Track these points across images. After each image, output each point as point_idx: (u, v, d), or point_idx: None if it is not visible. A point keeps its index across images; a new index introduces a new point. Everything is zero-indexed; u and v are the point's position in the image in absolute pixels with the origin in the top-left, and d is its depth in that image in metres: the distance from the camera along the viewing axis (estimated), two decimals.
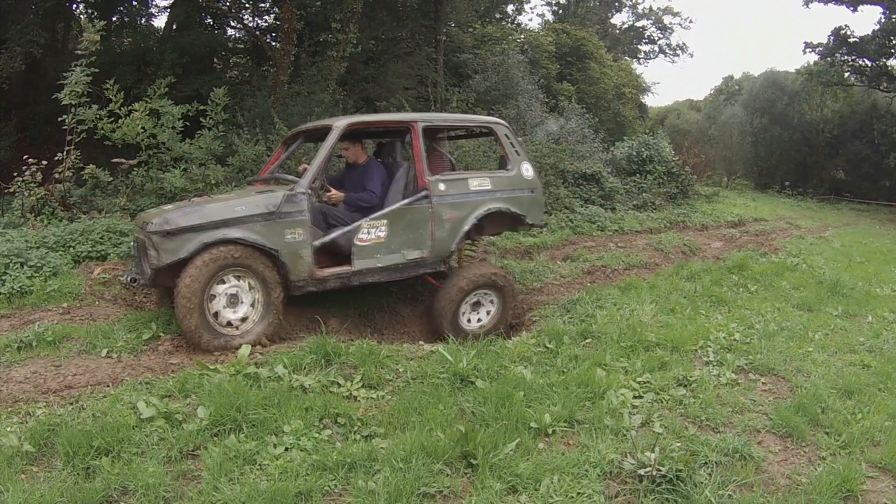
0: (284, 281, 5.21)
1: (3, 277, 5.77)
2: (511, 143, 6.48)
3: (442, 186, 5.85)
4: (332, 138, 5.46)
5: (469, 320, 6.12)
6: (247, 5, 20.25)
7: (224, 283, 4.99)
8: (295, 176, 5.73)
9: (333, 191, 5.71)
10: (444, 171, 6.22)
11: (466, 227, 5.96)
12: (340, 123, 5.60)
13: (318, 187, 5.51)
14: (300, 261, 5.23)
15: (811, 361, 5.23)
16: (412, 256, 5.75)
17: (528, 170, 6.48)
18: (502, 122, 6.70)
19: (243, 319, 5.10)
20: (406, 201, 5.70)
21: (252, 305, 5.11)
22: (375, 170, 5.99)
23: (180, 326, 4.90)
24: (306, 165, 5.74)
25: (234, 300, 5.05)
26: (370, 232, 5.56)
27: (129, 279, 5.65)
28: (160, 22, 20.44)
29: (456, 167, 6.95)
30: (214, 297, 4.95)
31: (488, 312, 6.21)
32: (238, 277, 5.03)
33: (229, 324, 5.04)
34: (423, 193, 5.75)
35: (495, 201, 6.16)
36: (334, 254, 5.60)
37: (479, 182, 6.12)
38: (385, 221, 5.61)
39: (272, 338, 5.21)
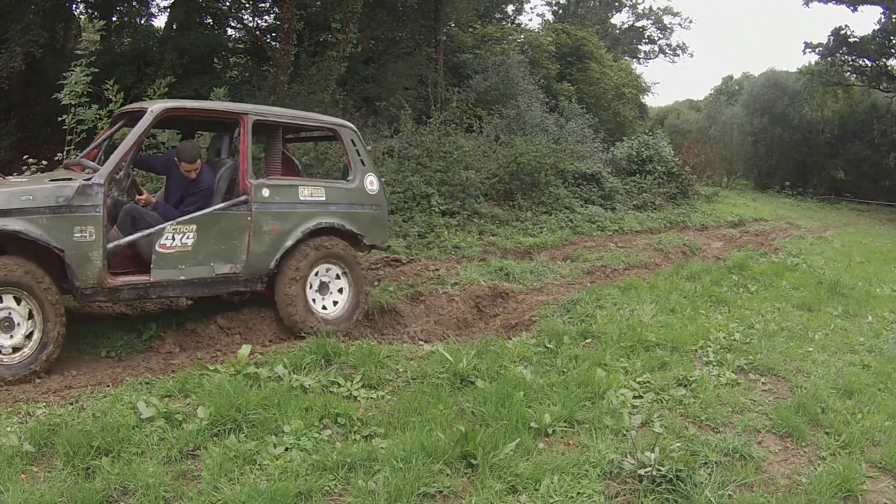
0: (70, 287, 4.50)
1: None
2: (357, 151, 5.87)
3: (266, 192, 5.15)
4: (143, 123, 4.74)
5: (316, 303, 5.55)
6: (247, 5, 20.27)
7: None
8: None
9: (146, 193, 5.14)
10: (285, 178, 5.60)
11: (290, 243, 5.25)
12: (156, 107, 4.87)
13: (124, 179, 4.80)
14: (88, 265, 4.42)
15: (811, 361, 5.23)
16: (223, 271, 5.00)
17: (372, 183, 5.87)
18: (349, 125, 6.04)
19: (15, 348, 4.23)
20: (220, 206, 5.00)
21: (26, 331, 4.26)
22: (206, 186, 5.22)
23: None
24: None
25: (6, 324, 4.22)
26: (175, 238, 4.80)
27: None
28: (160, 22, 20.44)
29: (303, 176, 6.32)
30: None
31: (338, 299, 5.66)
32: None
33: None
34: (243, 198, 5.05)
35: (328, 215, 5.52)
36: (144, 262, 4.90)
37: (311, 191, 5.46)
38: (193, 227, 4.85)
39: (51, 369, 4.38)
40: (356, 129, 6.00)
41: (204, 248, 4.91)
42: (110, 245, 4.57)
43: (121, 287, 4.66)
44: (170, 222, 4.80)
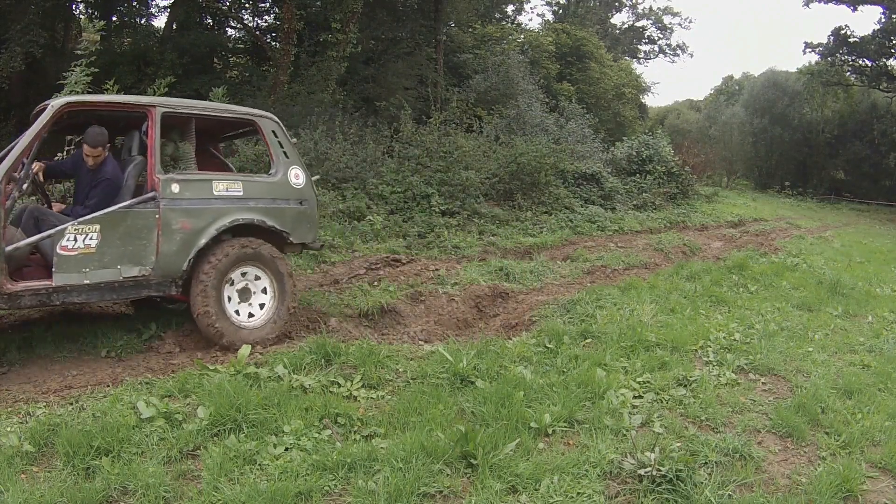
0: None
1: None
2: (279, 143, 5.53)
3: (175, 188, 4.81)
4: (42, 120, 4.45)
5: (239, 313, 5.14)
6: (247, 5, 20.28)
7: None
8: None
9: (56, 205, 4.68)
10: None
11: (203, 241, 4.89)
12: (56, 103, 4.59)
13: (24, 179, 4.53)
14: None
15: (811, 361, 5.23)
16: (131, 274, 4.64)
17: (297, 176, 5.54)
18: (270, 115, 5.66)
19: None
20: (125, 203, 4.68)
21: None
22: (107, 176, 4.92)
23: None
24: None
25: None
26: (77, 239, 4.45)
27: None
28: (160, 22, 20.47)
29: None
30: None
31: (261, 305, 5.25)
32: None
33: None
34: (151, 195, 4.73)
35: (246, 211, 5.13)
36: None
37: (226, 186, 5.11)
38: (97, 227, 4.52)
39: None
40: (277, 120, 5.65)
41: (109, 250, 4.57)
42: (9, 248, 4.28)
43: (21, 293, 4.33)
44: (71, 222, 4.48)
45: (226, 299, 5.03)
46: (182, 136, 5.30)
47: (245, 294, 5.21)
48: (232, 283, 5.10)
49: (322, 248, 6.44)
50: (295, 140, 5.97)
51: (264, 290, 5.28)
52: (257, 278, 5.23)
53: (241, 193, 5.17)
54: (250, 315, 5.19)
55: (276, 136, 5.53)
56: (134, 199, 4.72)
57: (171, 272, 4.83)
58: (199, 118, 5.26)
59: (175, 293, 4.98)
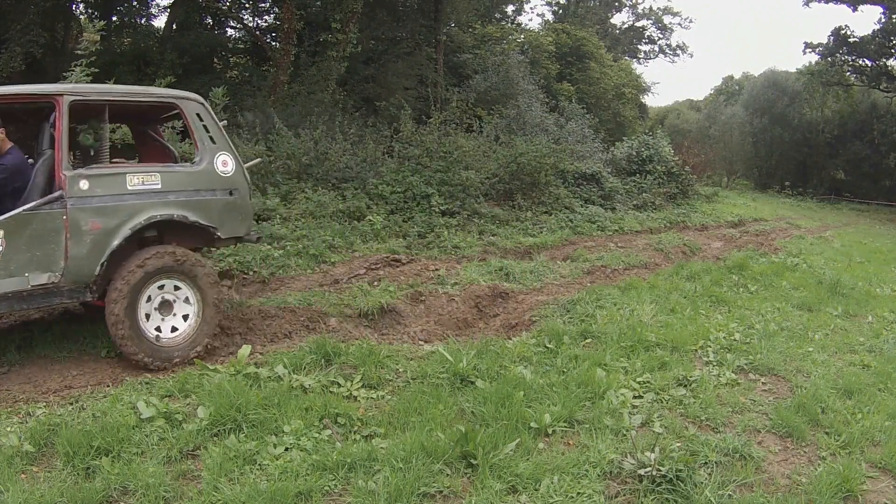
0: None
1: None
2: (204, 127, 5.04)
3: (84, 185, 4.37)
4: None
5: (160, 328, 4.67)
6: (247, 5, 20.27)
7: None
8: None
9: None
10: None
11: (116, 242, 4.44)
12: None
13: None
14: None
15: (811, 361, 5.23)
16: (40, 281, 4.26)
17: (225, 164, 5.08)
18: (193, 96, 5.15)
19: None
20: (30, 205, 4.28)
21: None
22: (4, 159, 4.56)
23: None
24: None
25: None
26: None
27: None
28: (160, 22, 20.44)
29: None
30: None
31: (186, 316, 4.79)
32: None
33: None
34: (57, 194, 4.31)
35: (165, 206, 4.68)
36: None
37: (142, 179, 4.64)
38: (0, 233, 4.15)
39: None
40: (203, 102, 5.14)
41: (15, 256, 4.18)
42: None
43: None
44: None
45: (142, 316, 4.58)
46: (99, 126, 4.83)
47: (166, 307, 4.74)
48: (149, 300, 4.63)
49: (259, 240, 5.85)
50: (224, 122, 5.59)
51: (187, 300, 4.80)
52: (177, 289, 4.76)
53: (160, 186, 4.71)
54: (173, 329, 4.73)
55: (202, 120, 5.04)
56: (40, 200, 4.30)
57: (83, 277, 4.40)
58: (114, 105, 4.78)
59: (91, 299, 4.57)
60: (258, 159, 6.30)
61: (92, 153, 4.96)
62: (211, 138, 5.06)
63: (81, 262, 4.36)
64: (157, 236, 4.83)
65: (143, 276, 4.51)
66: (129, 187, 4.58)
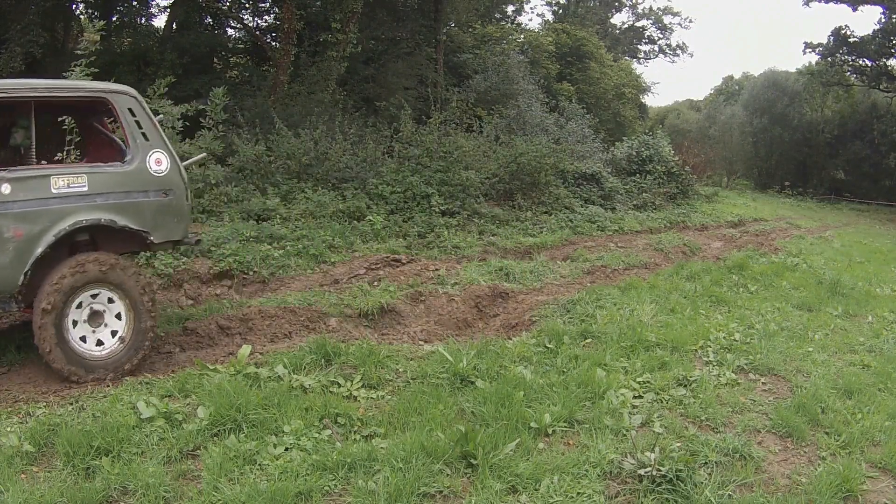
0: None
1: None
2: (137, 123, 4.69)
3: (6, 189, 4.12)
4: None
5: (86, 339, 4.41)
6: (247, 5, 20.27)
7: None
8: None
9: None
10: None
11: (40, 250, 4.20)
12: None
13: None
14: None
15: (811, 361, 5.23)
16: None
17: (159, 162, 4.75)
18: (126, 90, 4.81)
19: None
20: None
21: None
22: None
23: None
24: None
25: None
26: None
27: None
28: (160, 22, 20.46)
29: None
30: None
31: (115, 333, 4.52)
32: None
33: None
34: None
35: (92, 210, 4.39)
36: None
37: (67, 181, 4.35)
38: None
39: None
40: (136, 95, 4.81)
41: None
42: None
43: None
44: None
45: (69, 327, 4.32)
46: (27, 124, 4.61)
47: (96, 318, 4.48)
48: (80, 306, 4.39)
49: (198, 243, 5.54)
50: (161, 117, 5.29)
51: (117, 317, 4.54)
52: (111, 301, 4.51)
53: (87, 189, 4.41)
54: (99, 343, 4.46)
55: (134, 115, 4.70)
56: None
57: (6, 287, 4.20)
58: (41, 101, 4.52)
59: (18, 309, 4.41)
60: (202, 154, 5.99)
61: (22, 152, 4.73)
62: (144, 135, 4.73)
63: (4, 271, 4.13)
64: (91, 241, 4.59)
65: (67, 288, 4.26)
66: (54, 190, 4.31)
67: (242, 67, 19.92)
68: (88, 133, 5.19)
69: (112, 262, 4.45)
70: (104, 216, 4.45)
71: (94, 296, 4.43)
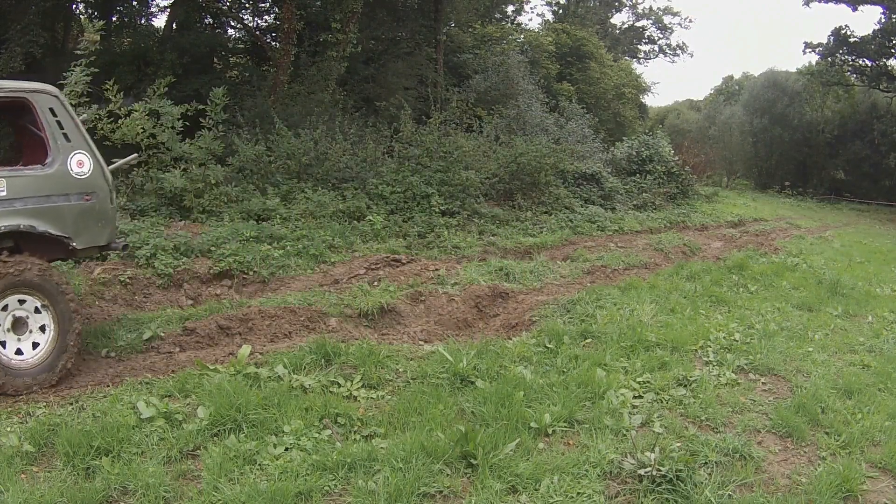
0: None
1: None
2: (58, 123, 4.47)
3: None
4: None
5: (4, 345, 4.19)
6: (247, 5, 20.27)
7: None
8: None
9: None
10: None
11: None
12: None
13: None
14: None
15: (811, 361, 5.23)
16: None
17: (81, 164, 4.55)
18: (47, 89, 4.59)
19: None
20: None
21: None
22: None
23: None
24: None
25: None
26: None
27: None
28: (160, 22, 20.45)
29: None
30: None
31: (36, 343, 4.29)
32: None
33: None
34: None
35: (10, 216, 4.20)
36: None
37: None
38: None
39: None
40: (58, 94, 4.59)
41: None
42: None
43: None
44: None
45: None
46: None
47: (20, 326, 4.26)
48: (5, 308, 4.20)
49: (126, 249, 5.24)
50: (85, 116, 5.10)
51: (41, 326, 4.34)
52: (36, 309, 4.31)
53: (5, 193, 4.19)
54: (18, 352, 4.22)
55: (55, 115, 4.47)
56: None
57: None
58: None
59: None
60: (134, 155, 5.87)
61: None
62: (65, 136, 4.50)
63: None
64: (15, 247, 4.38)
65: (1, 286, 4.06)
66: None
67: (242, 67, 19.90)
68: (23, 134, 5.00)
69: (23, 267, 4.22)
70: (23, 222, 4.25)
71: (21, 302, 4.24)
